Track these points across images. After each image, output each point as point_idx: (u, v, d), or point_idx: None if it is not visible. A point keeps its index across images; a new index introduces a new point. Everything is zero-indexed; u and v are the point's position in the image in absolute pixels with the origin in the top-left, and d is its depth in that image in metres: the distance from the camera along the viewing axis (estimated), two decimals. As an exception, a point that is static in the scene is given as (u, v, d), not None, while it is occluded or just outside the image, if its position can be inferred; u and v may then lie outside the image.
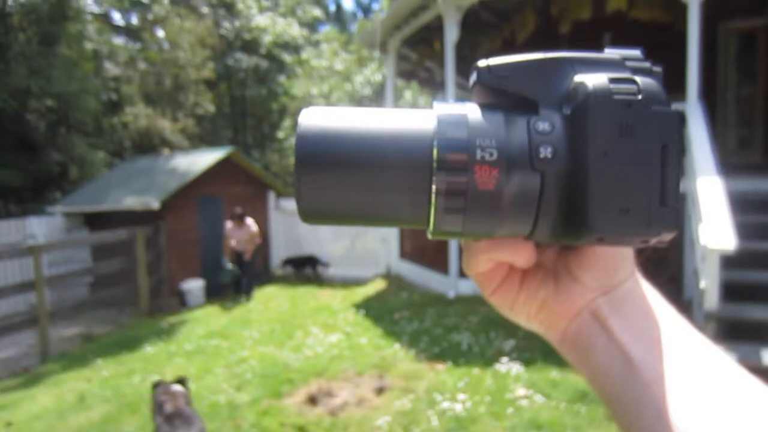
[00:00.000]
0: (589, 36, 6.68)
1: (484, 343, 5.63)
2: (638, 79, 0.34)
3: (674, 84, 5.96)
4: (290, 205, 11.53)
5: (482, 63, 0.37)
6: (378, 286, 8.94)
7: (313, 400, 4.65)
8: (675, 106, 0.35)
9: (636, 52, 0.36)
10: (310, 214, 0.37)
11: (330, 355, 5.74)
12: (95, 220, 10.51)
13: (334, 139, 0.35)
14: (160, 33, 21.02)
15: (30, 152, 14.32)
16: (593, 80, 0.34)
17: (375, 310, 7.29)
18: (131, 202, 9.70)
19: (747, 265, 4.80)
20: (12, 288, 7.62)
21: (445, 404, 4.36)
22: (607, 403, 0.38)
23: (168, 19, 20.29)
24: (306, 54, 19.81)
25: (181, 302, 9.40)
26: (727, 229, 4.08)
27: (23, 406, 5.27)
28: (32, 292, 7.38)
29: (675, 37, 6.25)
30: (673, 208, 0.34)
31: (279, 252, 11.22)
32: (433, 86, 12.06)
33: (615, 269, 0.39)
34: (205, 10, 22.45)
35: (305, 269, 10.63)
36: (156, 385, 3.44)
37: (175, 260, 9.73)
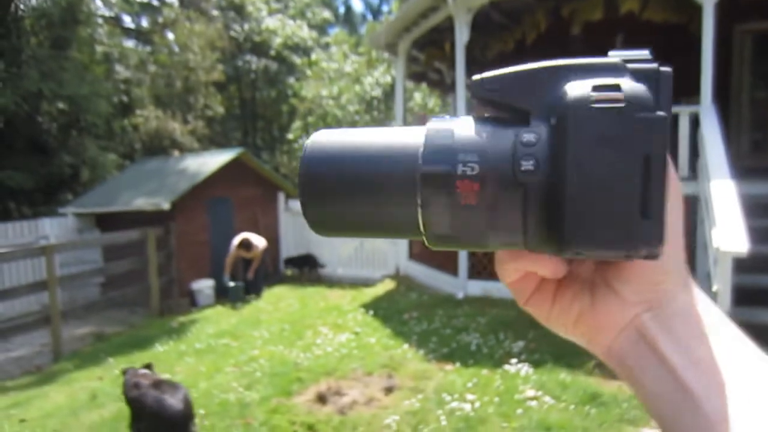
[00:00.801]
0: (601, 37, 6.65)
1: (493, 344, 5.62)
2: (626, 84, 0.33)
3: (688, 86, 5.94)
4: (300, 206, 11.58)
5: (476, 77, 0.37)
6: (387, 286, 8.95)
7: (322, 399, 4.66)
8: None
9: (643, 53, 0.35)
10: (319, 229, 0.41)
11: (339, 355, 5.75)
12: (106, 221, 10.61)
13: (332, 162, 0.38)
14: (170, 36, 21.18)
15: (42, 155, 14.47)
16: (575, 88, 0.33)
17: (384, 310, 7.30)
18: (142, 203, 9.78)
19: (759, 270, 4.77)
20: (25, 288, 7.71)
21: (454, 404, 4.35)
22: (658, 422, 0.36)
23: (178, 21, 20.44)
24: (315, 56, 19.89)
25: (192, 302, 9.46)
26: (739, 233, 4.05)
27: (36, 403, 5.33)
28: (44, 291, 7.46)
29: (689, 38, 6.22)
30: (658, 221, 0.32)
31: (289, 253, 11.26)
32: (443, 88, 12.06)
33: (656, 282, 0.36)
34: (214, 12, 22.60)
35: (303, 268, 10.71)
36: (125, 372, 3.88)
37: (186, 261, 9.80)
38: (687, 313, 0.36)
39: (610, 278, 0.38)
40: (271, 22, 23.47)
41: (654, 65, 0.34)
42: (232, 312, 8.52)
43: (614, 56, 0.35)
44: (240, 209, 10.80)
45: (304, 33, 23.96)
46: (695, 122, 5.73)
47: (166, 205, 9.33)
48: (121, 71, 19.09)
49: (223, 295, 9.43)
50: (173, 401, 3.61)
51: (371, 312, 7.34)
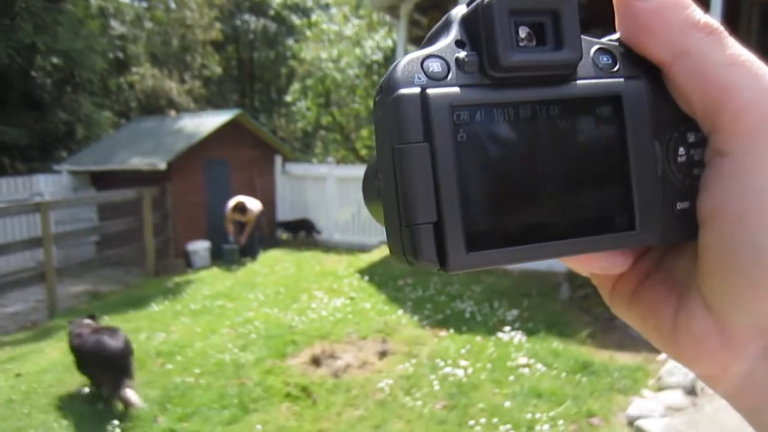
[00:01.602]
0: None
1: (487, 312, 5.67)
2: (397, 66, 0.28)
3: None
4: (297, 169, 11.50)
5: None
6: (383, 253, 8.97)
7: (316, 362, 4.72)
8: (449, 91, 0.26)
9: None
10: None
11: (334, 319, 5.80)
12: (101, 180, 10.52)
13: None
14: (168, -9, 20.65)
15: (36, 111, 14.25)
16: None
17: (379, 276, 7.33)
18: (137, 162, 9.68)
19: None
20: (20, 244, 7.68)
21: (447, 370, 4.41)
22: None
23: (175, -23, 19.92)
24: (316, 17, 19.49)
25: (187, 263, 9.47)
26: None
27: (32, 358, 5.37)
28: (39, 248, 7.44)
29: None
30: (416, 228, 0.26)
31: (285, 216, 11.24)
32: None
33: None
34: (213, -32, 21.99)
35: (298, 233, 10.67)
36: (70, 323, 4.27)
37: (181, 221, 9.77)
38: None
39: (711, 297, 0.28)
40: (270, -20, 22.89)
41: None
42: (228, 274, 8.54)
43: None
44: (237, 171, 10.72)
45: (304, -8, 23.40)
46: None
47: (162, 165, 9.24)
48: (116, 27, 18.67)
49: (218, 257, 9.44)
50: (112, 341, 4.10)
51: (366, 278, 7.37)
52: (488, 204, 0.27)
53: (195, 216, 10.01)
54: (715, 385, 0.29)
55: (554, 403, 3.81)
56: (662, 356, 4.22)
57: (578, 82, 0.29)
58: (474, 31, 0.28)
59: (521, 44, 0.28)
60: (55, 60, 14.33)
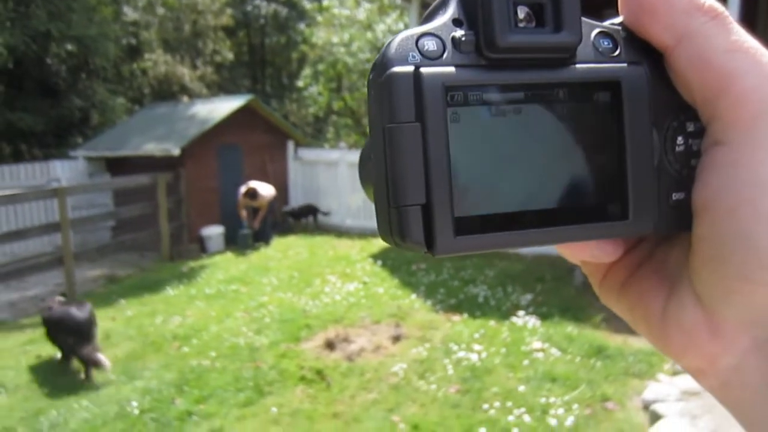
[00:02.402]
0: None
1: (500, 297, 5.66)
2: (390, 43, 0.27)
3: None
4: (309, 154, 11.50)
5: None
6: (395, 238, 8.98)
7: (330, 346, 4.75)
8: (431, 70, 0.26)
9: None
10: None
11: (347, 303, 5.83)
12: (116, 166, 10.60)
13: None
14: (179, -23, 20.60)
15: (51, 97, 14.36)
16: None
17: (392, 261, 7.35)
18: (151, 148, 9.73)
19: None
20: (38, 229, 7.79)
21: (461, 354, 4.42)
22: None
23: (186, -38, 19.85)
24: (327, 1, 19.36)
25: (201, 248, 9.55)
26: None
27: (51, 341, 5.46)
28: (57, 233, 7.53)
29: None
30: (405, 210, 0.26)
31: (298, 201, 11.27)
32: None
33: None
34: (224, -47, 21.88)
35: (306, 218, 10.69)
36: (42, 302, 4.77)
37: (195, 207, 9.83)
38: None
39: (702, 289, 0.27)
40: (281, -35, 22.73)
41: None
42: (241, 259, 8.61)
43: None
44: (249, 156, 10.74)
45: (316, -24, 23.22)
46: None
47: (176, 151, 9.29)
48: (129, 13, 18.69)
49: (232, 242, 9.51)
50: (77, 312, 4.58)
51: (379, 262, 7.39)
52: (479, 187, 0.27)
53: (208, 201, 10.07)
54: (702, 379, 0.29)
55: (569, 388, 3.81)
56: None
57: (577, 66, 0.28)
58: (472, 9, 0.27)
59: (520, 25, 0.27)
60: (69, 47, 14.38)
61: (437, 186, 0.26)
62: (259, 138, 10.86)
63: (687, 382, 3.67)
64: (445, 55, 0.26)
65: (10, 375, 4.69)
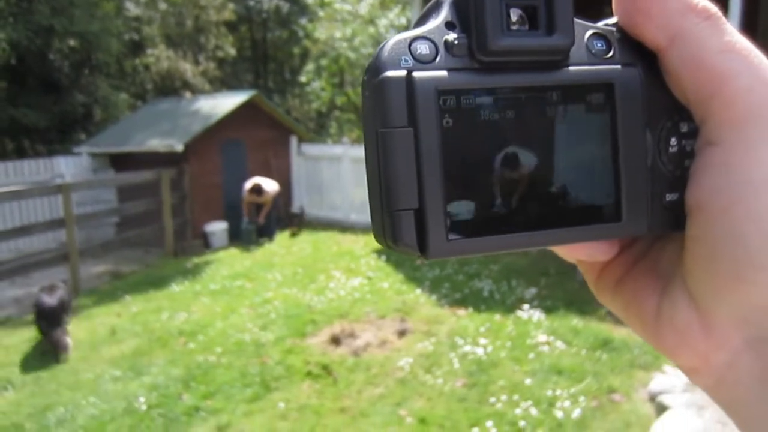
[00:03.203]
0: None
1: (505, 291, 5.66)
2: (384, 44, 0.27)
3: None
4: (312, 149, 11.50)
5: None
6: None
7: (336, 341, 4.76)
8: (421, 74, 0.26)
9: None
10: None
11: (352, 299, 5.83)
12: (119, 162, 10.62)
13: None
14: (181, -28, 20.55)
15: (55, 93, 14.37)
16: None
17: (397, 256, 7.34)
18: (155, 144, 9.74)
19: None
20: (43, 225, 7.81)
21: (467, 348, 4.43)
22: None
23: (188, -43, 19.79)
24: (329, -4, 19.30)
25: (205, 244, 9.56)
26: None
27: (58, 337, 5.48)
28: (62, 229, 7.55)
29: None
30: (397, 214, 0.26)
31: (301, 197, 11.27)
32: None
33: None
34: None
35: (293, 222, 10.29)
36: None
37: (199, 202, 9.85)
38: None
39: (695, 288, 0.27)
40: (283, -41, 22.64)
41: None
42: (246, 254, 8.62)
43: None
44: (253, 152, 10.74)
45: (318, -29, 23.12)
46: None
47: (179, 147, 9.29)
48: (131, 8, 18.66)
49: (236, 238, 9.52)
50: (47, 299, 5.09)
51: (384, 257, 7.39)
52: (472, 191, 0.27)
53: (212, 197, 10.08)
54: (696, 378, 0.29)
55: (575, 380, 3.81)
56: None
57: (570, 68, 0.28)
58: (464, 12, 0.27)
59: (512, 27, 0.27)
60: (71, 42, 14.39)
61: (430, 190, 0.26)
62: (262, 133, 10.85)
63: (694, 375, 3.67)
64: (437, 59, 0.26)
65: (16, 371, 4.71)
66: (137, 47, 18.86)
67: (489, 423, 3.40)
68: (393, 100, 0.25)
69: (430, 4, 0.29)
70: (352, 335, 4.84)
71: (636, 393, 3.66)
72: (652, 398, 3.48)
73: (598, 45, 0.29)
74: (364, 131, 0.27)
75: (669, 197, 0.30)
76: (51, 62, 14.41)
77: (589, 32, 0.29)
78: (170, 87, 18.90)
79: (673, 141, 0.29)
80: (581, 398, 3.60)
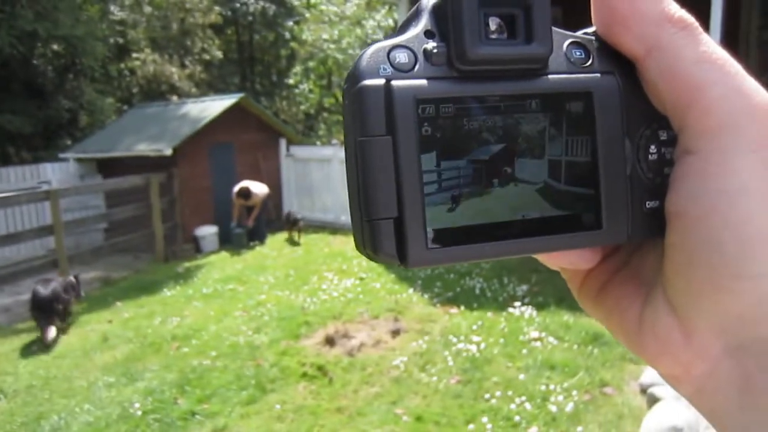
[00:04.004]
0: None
1: (497, 288, 5.71)
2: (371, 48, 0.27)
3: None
4: (301, 152, 11.49)
5: None
6: (390, 233, 8.99)
7: (330, 342, 4.77)
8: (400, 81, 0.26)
9: None
10: None
11: (345, 299, 5.85)
12: (107, 167, 10.54)
13: None
14: (165, -25, 20.43)
15: (39, 99, 14.21)
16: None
17: (388, 256, 7.36)
18: (143, 148, 9.68)
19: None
20: (30, 232, 7.75)
21: (460, 345, 4.46)
22: None
23: (172, -40, 19.68)
24: (314, -3, 19.29)
25: (196, 248, 9.52)
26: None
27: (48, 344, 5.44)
28: (50, 236, 7.49)
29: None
30: (376, 223, 0.26)
31: (291, 199, 11.27)
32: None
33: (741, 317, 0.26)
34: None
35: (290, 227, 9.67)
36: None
37: (189, 206, 9.80)
38: None
39: (674, 297, 0.27)
40: (268, -39, 22.58)
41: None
42: (237, 258, 8.60)
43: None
44: (242, 155, 10.71)
45: (303, -28, 23.08)
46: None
47: (168, 151, 9.24)
48: (116, 12, 18.53)
49: (227, 241, 9.49)
50: (41, 289, 5.51)
51: (375, 257, 7.40)
52: (452, 200, 0.27)
53: (202, 201, 10.04)
54: (678, 386, 0.29)
55: (567, 375, 3.86)
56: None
57: (549, 76, 0.28)
58: (443, 21, 0.27)
59: (491, 36, 0.27)
60: (55, 47, 14.24)
61: (409, 199, 0.26)
62: (251, 136, 10.83)
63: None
64: (416, 68, 0.26)
65: (8, 380, 4.67)
66: (123, 51, 18.72)
67: (484, 419, 3.44)
68: (371, 109, 0.25)
69: (410, 12, 0.29)
70: (346, 336, 4.86)
71: (627, 386, 3.71)
72: (644, 390, 3.53)
73: (577, 54, 0.29)
74: (344, 139, 0.27)
75: (649, 204, 0.30)
76: (35, 67, 14.25)
77: (568, 41, 0.29)
78: (156, 91, 18.79)
79: (653, 149, 0.30)
80: (574, 392, 3.64)
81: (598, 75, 0.29)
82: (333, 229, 10.11)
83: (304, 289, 6.41)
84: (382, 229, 0.26)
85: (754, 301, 0.25)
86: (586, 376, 3.82)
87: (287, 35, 22.02)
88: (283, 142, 11.44)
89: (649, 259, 0.30)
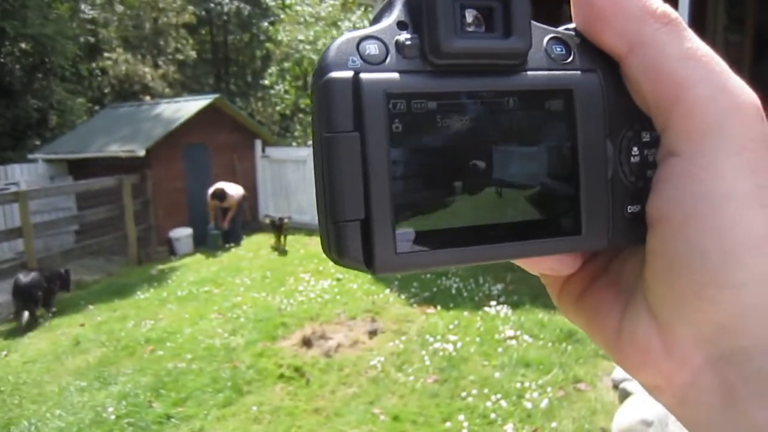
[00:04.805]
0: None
1: (473, 288, 5.76)
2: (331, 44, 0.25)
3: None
4: (277, 152, 11.43)
5: None
6: (367, 234, 9.00)
7: (307, 343, 4.76)
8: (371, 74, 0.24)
9: None
10: None
11: (322, 301, 5.84)
12: (78, 168, 10.33)
13: None
14: (137, -27, 20.12)
15: (6, 98, 13.88)
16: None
17: (365, 257, 7.37)
18: (115, 149, 9.52)
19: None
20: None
21: (437, 345, 4.50)
22: None
23: (145, -42, 19.41)
24: (290, -2, 19.22)
25: (170, 250, 9.40)
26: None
27: (19, 349, 5.33)
28: (19, 238, 7.32)
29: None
30: (342, 226, 0.24)
31: (267, 200, 11.20)
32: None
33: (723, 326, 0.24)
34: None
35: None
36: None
37: (163, 208, 9.67)
38: None
39: (655, 304, 0.26)
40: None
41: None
42: (212, 260, 8.51)
43: None
44: (217, 156, 10.61)
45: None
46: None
47: (141, 152, 9.11)
48: (86, 10, 18.18)
49: (201, 243, 9.39)
50: (21, 277, 5.97)
51: (352, 258, 7.41)
52: (423, 202, 0.25)
53: (176, 202, 9.91)
54: (660, 396, 0.28)
55: (542, 372, 3.93)
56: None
57: (528, 73, 0.27)
58: (418, 12, 0.26)
59: (467, 29, 0.26)
60: (24, 45, 13.92)
61: (377, 200, 0.24)
62: (226, 137, 10.73)
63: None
64: (387, 60, 0.25)
65: (-24, 386, 4.56)
66: (94, 50, 18.38)
67: (461, 417, 3.47)
68: (338, 103, 0.24)
69: (384, 3, 0.27)
70: (323, 337, 4.85)
71: (600, 381, 3.79)
72: (616, 386, 3.61)
73: (558, 50, 0.28)
74: (312, 136, 0.26)
75: (631, 209, 0.28)
76: (2, 66, 13.91)
77: (548, 36, 0.28)
78: (129, 91, 18.50)
79: (635, 150, 0.28)
80: (548, 389, 3.71)
81: (580, 73, 0.27)
82: (309, 230, 10.07)
83: (281, 290, 6.38)
84: (348, 233, 0.24)
85: (737, 311, 0.24)
86: (560, 373, 3.88)
87: (262, 36, 21.89)
88: (258, 143, 11.37)
89: (629, 264, 0.29)
